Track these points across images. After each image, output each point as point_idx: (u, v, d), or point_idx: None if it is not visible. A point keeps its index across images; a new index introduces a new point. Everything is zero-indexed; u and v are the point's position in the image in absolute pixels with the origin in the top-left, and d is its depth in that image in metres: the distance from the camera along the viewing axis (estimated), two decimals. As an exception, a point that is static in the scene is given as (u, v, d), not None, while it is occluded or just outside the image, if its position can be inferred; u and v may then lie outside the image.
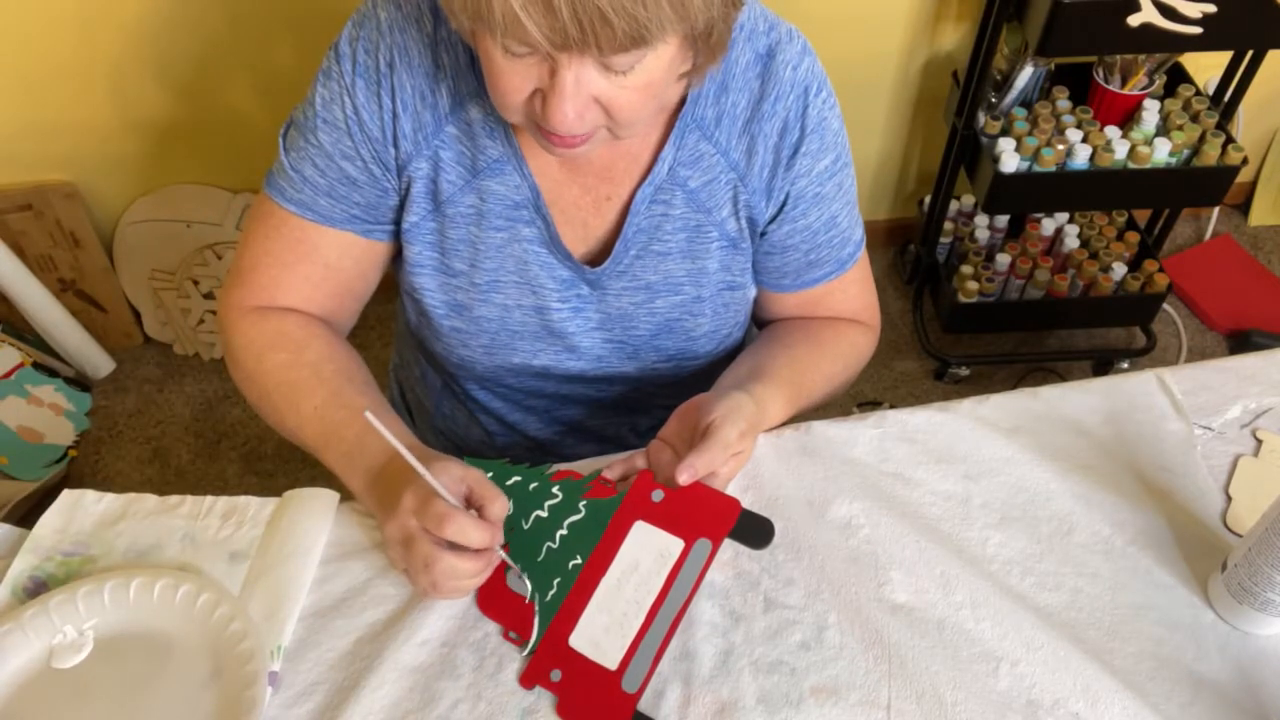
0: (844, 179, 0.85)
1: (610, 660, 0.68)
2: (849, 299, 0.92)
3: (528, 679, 0.68)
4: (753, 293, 0.91)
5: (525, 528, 0.75)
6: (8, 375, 1.78)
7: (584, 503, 0.76)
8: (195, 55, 1.63)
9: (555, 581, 0.72)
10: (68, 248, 1.82)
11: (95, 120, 1.67)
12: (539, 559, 0.73)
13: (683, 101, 0.78)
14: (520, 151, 0.78)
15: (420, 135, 0.78)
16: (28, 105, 1.63)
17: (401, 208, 0.82)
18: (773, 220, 0.84)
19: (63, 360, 1.91)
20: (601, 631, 0.70)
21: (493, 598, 0.72)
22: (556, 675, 0.68)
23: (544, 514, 0.75)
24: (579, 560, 0.73)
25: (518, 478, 0.77)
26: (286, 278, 0.83)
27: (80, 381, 1.92)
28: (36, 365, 1.84)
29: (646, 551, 0.73)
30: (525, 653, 0.70)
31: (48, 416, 1.81)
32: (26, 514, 1.66)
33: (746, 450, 0.77)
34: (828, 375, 0.88)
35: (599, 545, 0.74)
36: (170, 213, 1.82)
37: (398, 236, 0.84)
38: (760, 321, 0.97)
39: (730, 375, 0.84)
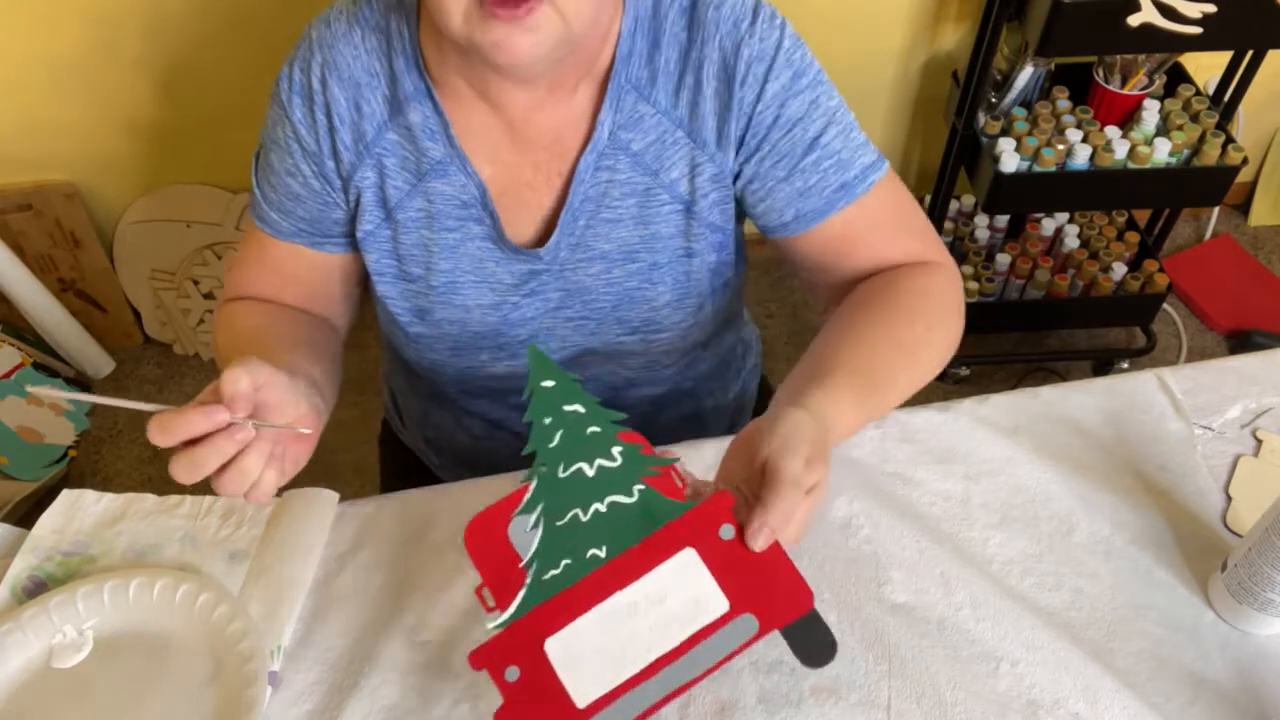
0: (815, 96, 0.78)
1: (581, 693, 0.56)
2: (887, 234, 0.81)
3: (479, 659, 0.57)
4: (713, 259, 0.85)
5: (560, 476, 0.59)
6: (8, 375, 1.78)
7: (641, 488, 0.60)
8: (196, 55, 1.63)
9: (564, 562, 0.59)
10: (68, 248, 1.82)
11: (95, 120, 1.67)
12: (559, 522, 0.59)
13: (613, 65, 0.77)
14: (463, 151, 0.78)
15: (361, 145, 0.79)
16: (28, 105, 1.63)
17: (354, 219, 0.83)
18: (745, 162, 0.80)
19: (63, 360, 1.91)
20: (589, 652, 0.57)
21: (484, 537, 0.59)
22: (513, 674, 0.57)
23: (589, 471, 0.60)
24: (602, 554, 0.59)
25: (580, 408, 0.60)
26: (253, 283, 0.88)
27: (80, 381, 1.92)
28: (36, 365, 1.84)
29: (683, 590, 0.58)
30: (491, 625, 0.58)
31: (48, 416, 1.81)
32: (26, 514, 1.66)
33: (821, 481, 0.62)
34: (905, 343, 0.75)
35: (634, 549, 0.59)
36: (170, 213, 1.82)
37: (355, 247, 0.85)
38: (821, 293, 0.88)
39: (790, 382, 0.74)
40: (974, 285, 1.88)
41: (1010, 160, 1.63)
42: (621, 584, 0.58)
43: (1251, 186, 2.23)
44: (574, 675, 0.57)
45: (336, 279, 0.89)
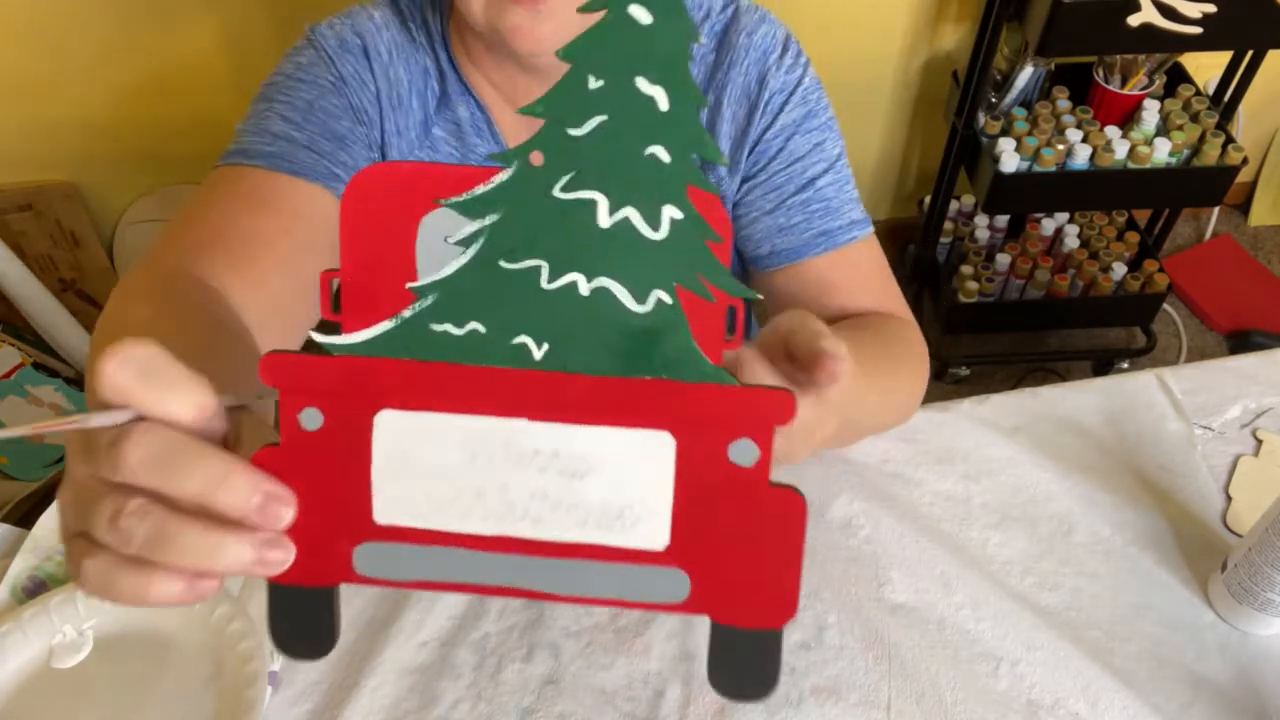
0: (822, 140, 0.79)
1: (385, 505, 0.35)
2: (859, 289, 0.79)
3: (275, 368, 0.34)
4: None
5: (554, 193, 0.32)
6: (8, 375, 1.78)
7: (665, 298, 0.33)
8: (196, 55, 1.63)
9: (471, 326, 0.33)
10: (68, 248, 1.82)
11: (95, 120, 1.67)
12: (505, 264, 0.33)
13: None
14: (507, 148, 0.79)
15: (413, 134, 0.78)
16: (28, 105, 1.63)
17: None
18: (743, 185, 0.80)
19: (63, 360, 1.91)
20: (431, 467, 0.35)
21: (379, 204, 0.33)
22: (311, 420, 0.34)
23: (603, 218, 0.33)
24: (537, 353, 0.34)
25: (660, 98, 0.33)
26: (232, 227, 0.65)
27: (80, 381, 1.92)
28: (36, 365, 1.84)
29: (616, 483, 0.35)
30: (320, 339, 0.35)
31: (48, 416, 1.81)
32: (26, 514, 1.66)
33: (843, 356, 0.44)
34: (887, 355, 0.72)
35: (588, 380, 0.34)
36: (170, 213, 1.82)
37: None
38: None
39: None
40: (974, 285, 1.88)
41: (1010, 160, 1.63)
42: (536, 413, 0.34)
43: (1251, 186, 2.23)
44: (391, 479, 0.35)
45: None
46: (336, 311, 0.34)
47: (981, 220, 1.95)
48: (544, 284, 0.33)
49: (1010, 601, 0.73)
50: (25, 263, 1.74)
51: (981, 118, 1.70)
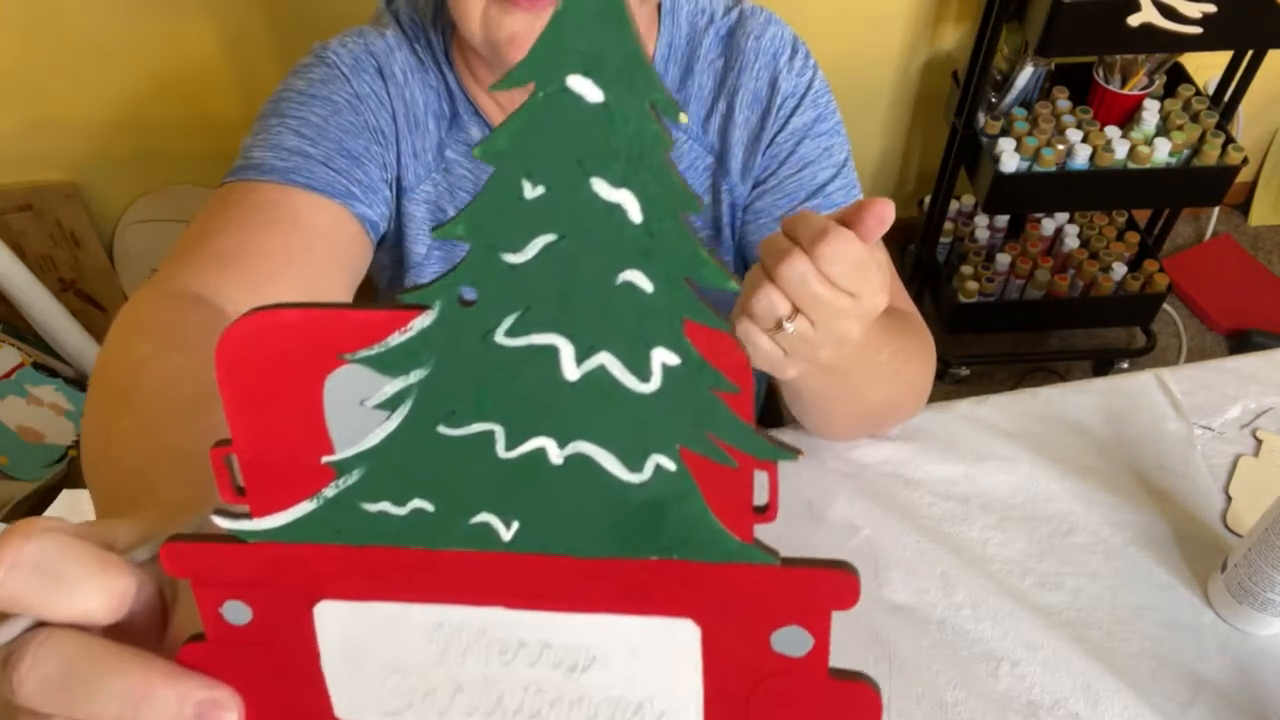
0: (830, 145, 0.79)
1: (346, 701, 0.29)
2: None
3: (179, 559, 0.27)
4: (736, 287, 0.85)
5: (499, 339, 0.24)
6: (8, 375, 1.78)
7: (666, 464, 0.25)
8: (196, 55, 1.63)
9: (414, 505, 0.26)
10: (68, 248, 1.82)
11: (95, 120, 1.67)
12: (446, 430, 0.25)
13: None
14: None
15: (429, 156, 0.76)
16: (28, 105, 1.63)
17: (400, 231, 0.78)
18: (754, 189, 0.80)
19: (63, 360, 1.91)
20: (389, 663, 0.28)
21: (266, 366, 0.25)
22: (237, 614, 0.28)
23: (569, 369, 0.24)
24: (506, 533, 0.26)
25: (625, 203, 0.22)
26: (248, 245, 0.61)
27: (80, 381, 1.92)
28: (36, 365, 1.84)
29: (630, 677, 0.28)
30: (225, 523, 0.27)
31: (48, 416, 1.81)
32: (26, 514, 1.66)
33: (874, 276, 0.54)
34: (899, 326, 0.69)
35: (579, 564, 0.26)
36: (170, 213, 1.82)
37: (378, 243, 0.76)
38: None
39: None
40: (974, 285, 1.88)
41: (1010, 160, 1.63)
42: (515, 601, 0.27)
43: (1251, 186, 2.23)
44: (346, 674, 0.29)
45: (359, 270, 0.71)
46: (240, 494, 0.27)
47: (981, 220, 1.95)
48: (501, 453, 0.25)
49: (1010, 601, 0.73)
50: (25, 263, 1.74)
51: (981, 118, 1.70)
